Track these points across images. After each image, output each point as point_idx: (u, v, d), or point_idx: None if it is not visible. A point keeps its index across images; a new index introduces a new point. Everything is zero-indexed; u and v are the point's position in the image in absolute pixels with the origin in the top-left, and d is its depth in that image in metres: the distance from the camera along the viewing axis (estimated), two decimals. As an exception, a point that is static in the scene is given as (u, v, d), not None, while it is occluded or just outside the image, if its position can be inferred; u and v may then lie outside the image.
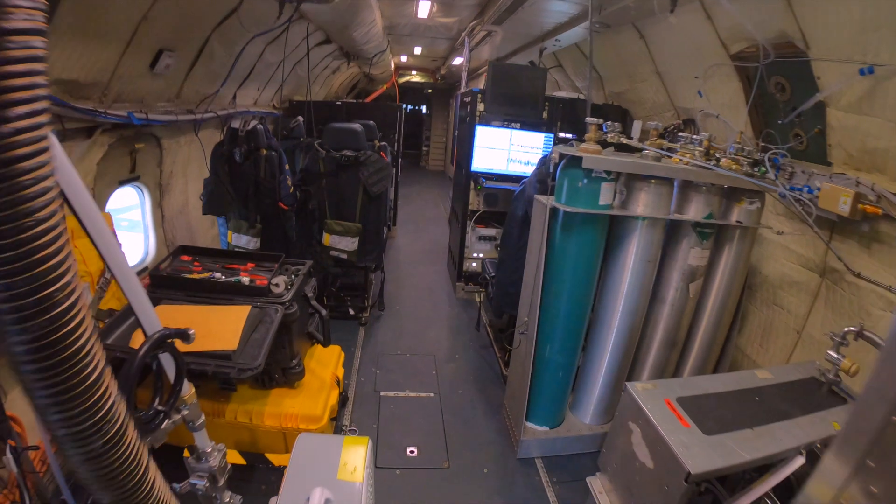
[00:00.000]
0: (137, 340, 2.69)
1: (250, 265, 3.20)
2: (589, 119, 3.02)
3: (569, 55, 6.73)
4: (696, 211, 3.17)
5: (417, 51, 10.79)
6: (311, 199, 4.74)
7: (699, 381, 2.72)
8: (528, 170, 5.70)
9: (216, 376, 2.45)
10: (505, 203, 5.85)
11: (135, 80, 3.49)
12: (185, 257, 3.29)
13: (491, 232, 6.13)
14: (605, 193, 2.95)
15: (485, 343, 5.17)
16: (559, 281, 3.18)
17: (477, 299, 6.12)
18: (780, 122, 3.32)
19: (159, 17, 3.20)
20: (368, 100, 11.53)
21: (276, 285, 2.89)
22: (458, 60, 9.70)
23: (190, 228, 5.00)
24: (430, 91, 17.36)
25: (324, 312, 3.19)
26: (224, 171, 4.32)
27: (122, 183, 3.89)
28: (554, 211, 3.08)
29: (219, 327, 2.61)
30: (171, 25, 3.43)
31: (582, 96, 6.29)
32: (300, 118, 5.63)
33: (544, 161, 3.79)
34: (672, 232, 3.28)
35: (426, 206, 11.82)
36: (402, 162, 10.15)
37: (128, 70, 3.30)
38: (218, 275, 3.03)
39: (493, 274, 4.65)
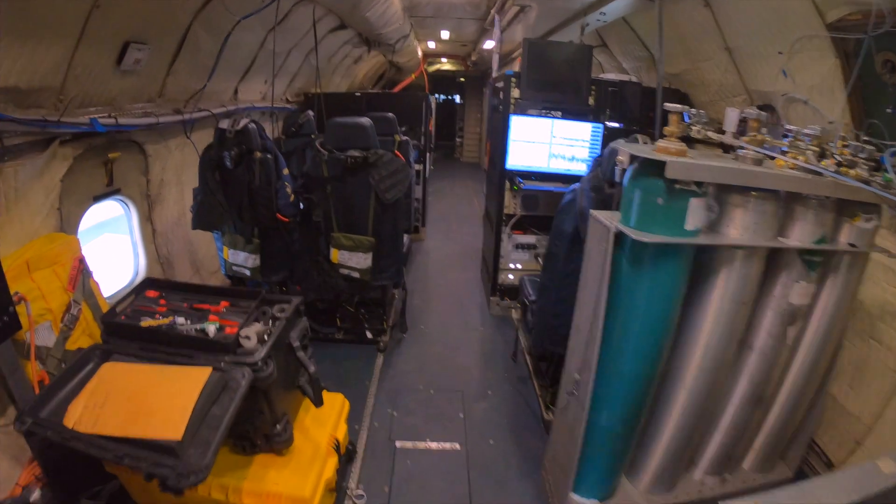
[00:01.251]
0: (74, 414, 2.11)
1: (224, 304, 2.56)
2: (669, 106, 2.16)
3: (615, 32, 5.79)
4: (803, 233, 2.30)
5: (445, 35, 9.97)
6: (315, 209, 4.06)
7: (813, 490, 1.88)
8: (573, 166, 4.85)
9: (152, 478, 1.81)
10: (547, 206, 5.00)
11: (98, 80, 2.94)
12: (152, 293, 2.69)
13: (530, 240, 5.27)
14: (695, 214, 2.06)
15: (522, 374, 4.39)
16: (624, 332, 2.31)
17: (514, 316, 5.34)
18: (888, 110, 2.58)
19: (115, 4, 2.61)
20: (396, 90, 10.85)
21: (247, 338, 2.23)
22: (489, 44, 8.84)
23: (189, 241, 4.46)
24: (462, 79, 16.66)
25: (312, 369, 2.50)
26: (214, 178, 3.72)
27: (98, 198, 3.36)
28: (619, 237, 2.21)
29: (164, 402, 1.98)
30: (134, 13, 2.85)
31: (634, 78, 5.36)
32: (310, 112, 4.95)
33: (599, 161, 2.95)
34: (767, 261, 2.40)
35: (459, 201, 11.02)
36: (436, 154, 9.40)
37: (86, 69, 2.76)
38: (181, 320, 2.40)
39: (533, 298, 3.83)
